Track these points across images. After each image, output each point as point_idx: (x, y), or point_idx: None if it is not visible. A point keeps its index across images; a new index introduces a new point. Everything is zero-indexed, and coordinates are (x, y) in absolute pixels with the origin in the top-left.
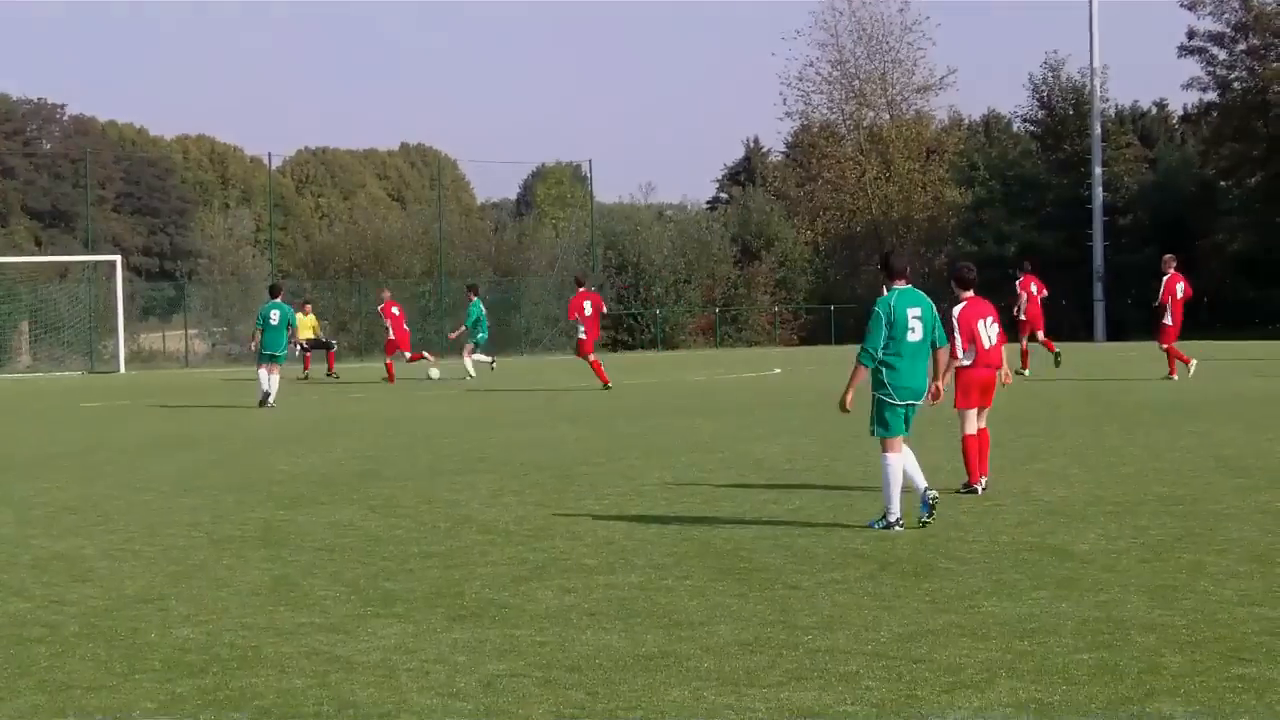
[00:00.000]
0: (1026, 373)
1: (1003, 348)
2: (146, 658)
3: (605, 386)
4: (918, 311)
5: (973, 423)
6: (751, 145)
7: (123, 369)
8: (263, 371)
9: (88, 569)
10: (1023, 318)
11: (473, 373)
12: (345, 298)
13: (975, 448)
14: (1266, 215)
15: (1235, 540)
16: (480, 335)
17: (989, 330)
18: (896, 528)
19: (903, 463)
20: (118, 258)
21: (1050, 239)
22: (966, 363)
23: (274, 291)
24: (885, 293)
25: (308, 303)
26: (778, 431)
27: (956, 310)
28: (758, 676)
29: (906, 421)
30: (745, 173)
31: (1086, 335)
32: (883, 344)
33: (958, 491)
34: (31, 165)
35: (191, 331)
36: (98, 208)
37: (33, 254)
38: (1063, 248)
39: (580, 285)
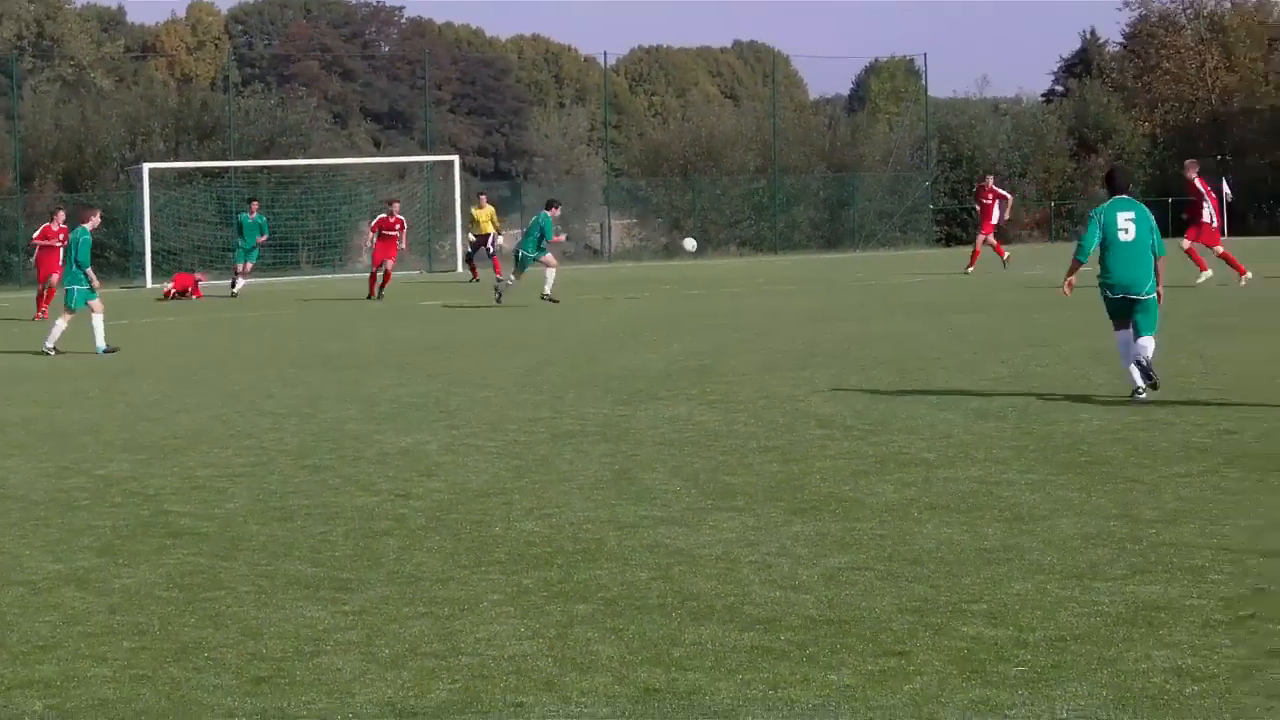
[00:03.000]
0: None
1: None
2: (492, 551)
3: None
4: (1130, 215)
5: None
6: (1088, 37)
7: (459, 268)
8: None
9: (432, 464)
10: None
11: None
12: (680, 195)
13: None
14: None
15: None
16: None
17: None
18: (1138, 395)
19: (1129, 337)
20: (455, 158)
21: None
22: None
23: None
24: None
25: (482, 194)
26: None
27: None
28: (1101, 570)
29: (1133, 314)
30: (1081, 65)
31: None
32: (1093, 246)
33: None
34: (370, 68)
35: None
36: (435, 108)
37: (371, 155)
38: None
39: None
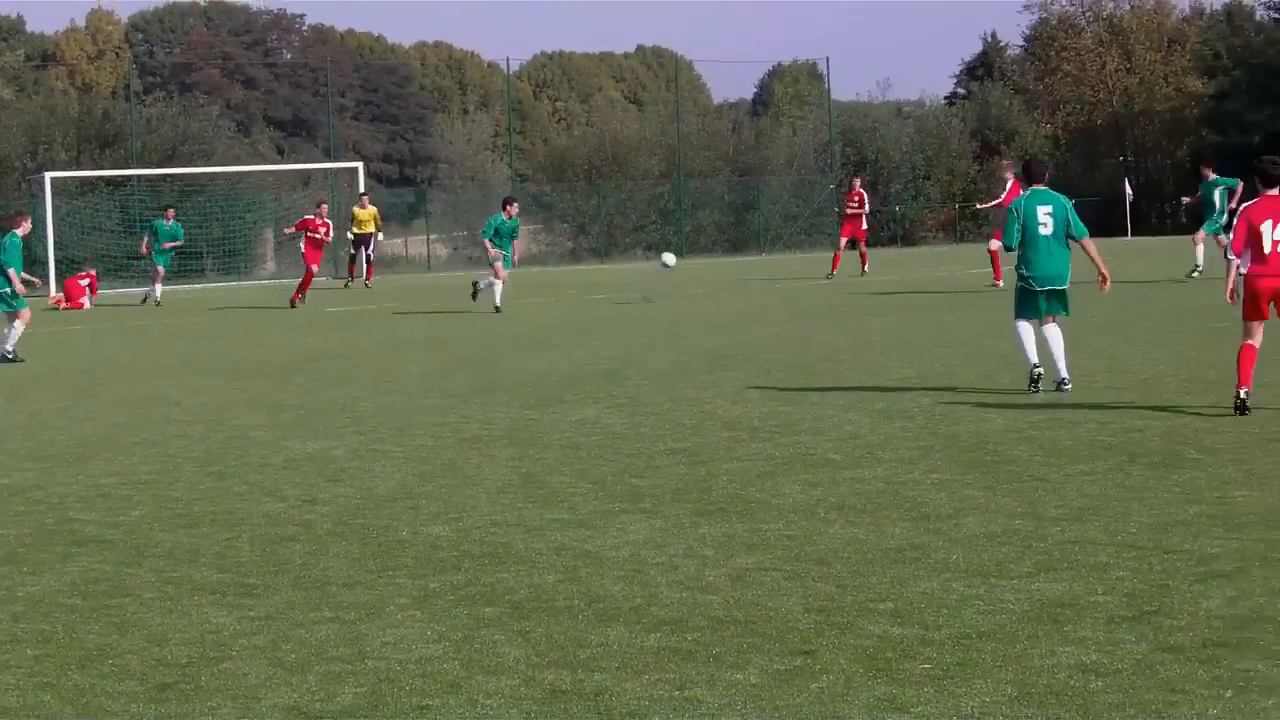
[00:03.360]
0: None
1: None
2: (399, 555)
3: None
4: (1048, 209)
5: (1255, 334)
6: (989, 40)
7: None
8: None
9: (339, 469)
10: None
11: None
12: (585, 200)
13: (1249, 359)
14: None
15: None
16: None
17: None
18: (1034, 371)
19: (1030, 327)
20: (359, 165)
21: None
22: (1244, 269)
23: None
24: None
25: (365, 194)
26: None
27: (1243, 206)
28: (1007, 568)
29: (1049, 305)
30: (983, 67)
31: None
32: (1017, 236)
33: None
34: (272, 75)
35: (433, 236)
36: (338, 116)
37: (275, 163)
38: None
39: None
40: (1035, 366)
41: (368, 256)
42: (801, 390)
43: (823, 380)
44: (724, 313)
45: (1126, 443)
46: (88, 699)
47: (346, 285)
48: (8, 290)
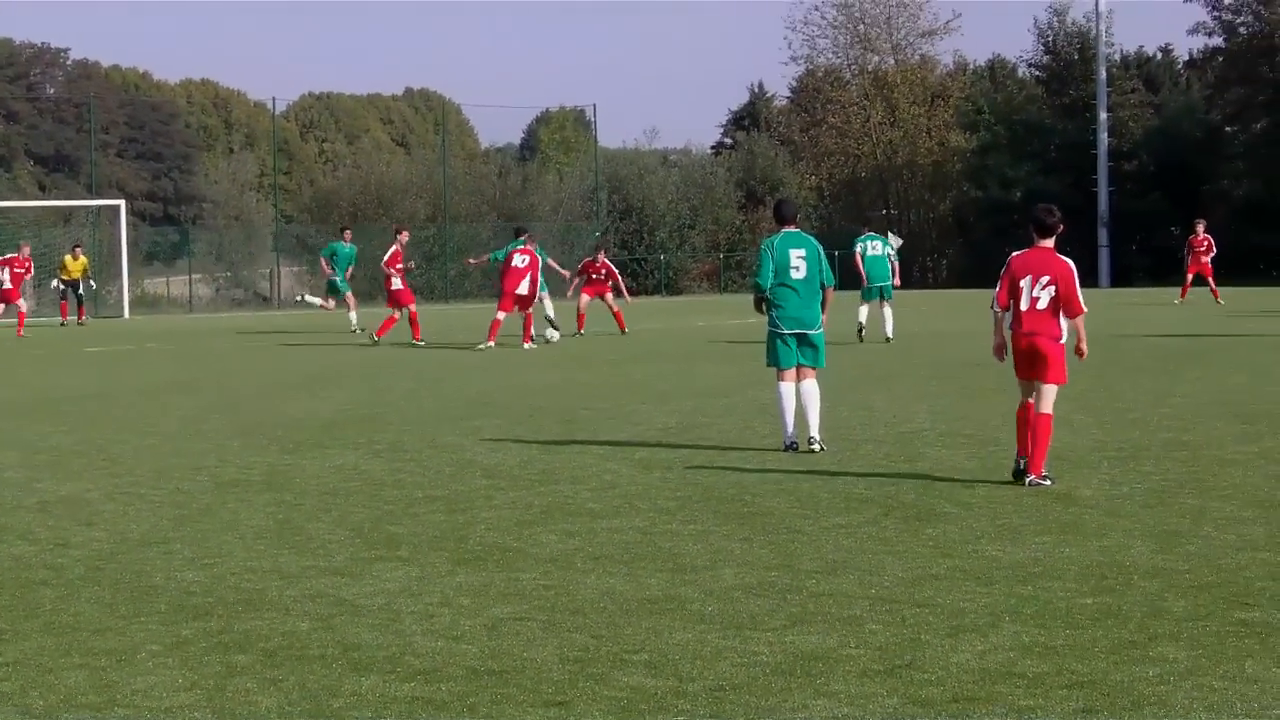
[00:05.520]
0: None
1: (1055, 316)
2: (152, 600)
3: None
4: (801, 252)
5: (1031, 393)
6: (756, 90)
7: (126, 314)
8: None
9: (93, 512)
10: None
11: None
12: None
13: (1020, 420)
14: (1271, 161)
15: (1239, 486)
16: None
17: (1038, 290)
18: (790, 444)
19: (792, 391)
20: (121, 202)
21: (1055, 184)
22: (1006, 326)
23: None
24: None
25: (78, 245)
26: None
27: (1010, 256)
28: (761, 620)
29: (801, 353)
30: (749, 118)
31: (1091, 281)
32: (771, 277)
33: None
34: (35, 110)
35: (195, 276)
36: (101, 152)
37: (36, 199)
38: (1067, 193)
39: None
40: (791, 443)
41: (79, 298)
42: (562, 438)
43: (583, 428)
44: (487, 359)
45: (882, 496)
46: None
47: (63, 324)
48: None
